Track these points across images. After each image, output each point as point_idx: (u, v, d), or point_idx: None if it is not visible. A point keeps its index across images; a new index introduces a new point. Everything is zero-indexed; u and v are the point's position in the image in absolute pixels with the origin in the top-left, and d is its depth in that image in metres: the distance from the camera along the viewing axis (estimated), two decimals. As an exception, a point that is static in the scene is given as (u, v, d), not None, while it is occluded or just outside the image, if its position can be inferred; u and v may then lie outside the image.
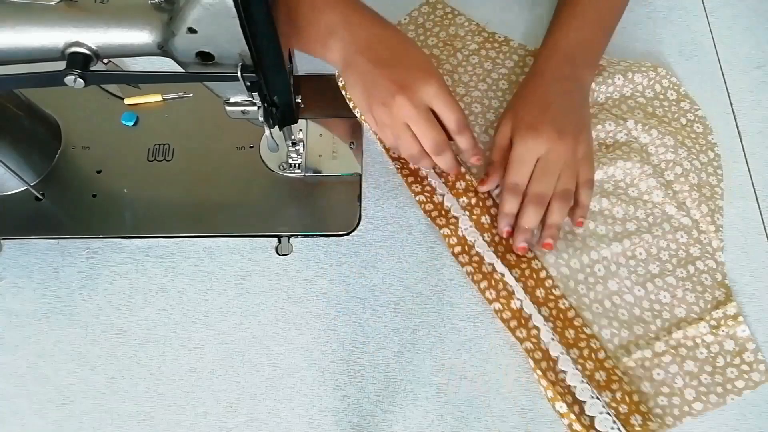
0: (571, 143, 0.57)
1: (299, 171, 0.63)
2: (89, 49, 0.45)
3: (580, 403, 0.52)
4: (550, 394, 0.53)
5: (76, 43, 0.44)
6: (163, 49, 0.45)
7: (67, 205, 0.62)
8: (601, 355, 0.54)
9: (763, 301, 0.58)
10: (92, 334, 0.57)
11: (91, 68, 0.45)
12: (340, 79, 0.59)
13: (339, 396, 0.55)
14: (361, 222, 0.61)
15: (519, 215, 0.58)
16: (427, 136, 0.55)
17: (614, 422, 0.51)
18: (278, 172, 0.63)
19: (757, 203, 0.62)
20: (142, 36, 0.44)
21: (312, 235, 0.61)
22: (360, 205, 0.62)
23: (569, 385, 0.53)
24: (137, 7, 0.44)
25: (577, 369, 0.53)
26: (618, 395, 0.52)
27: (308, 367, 0.56)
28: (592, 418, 0.52)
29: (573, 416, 0.52)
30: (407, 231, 0.61)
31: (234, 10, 0.40)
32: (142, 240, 0.61)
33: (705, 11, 0.73)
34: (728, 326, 0.55)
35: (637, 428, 0.51)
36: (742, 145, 0.65)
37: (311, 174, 0.63)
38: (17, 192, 0.62)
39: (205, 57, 0.45)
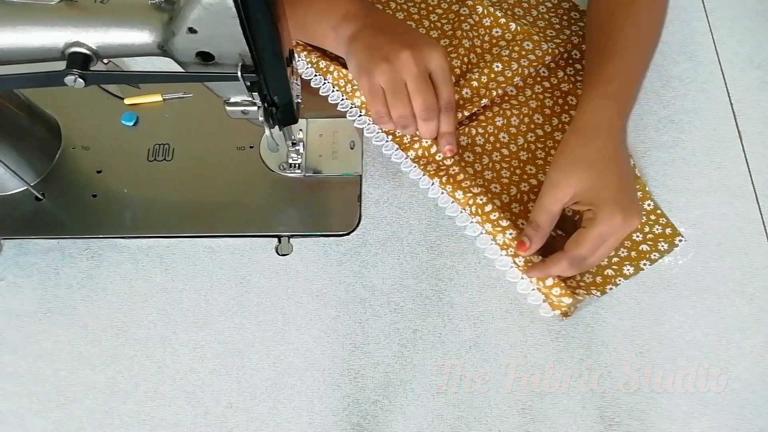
0: (640, 219, 0.55)
1: (299, 171, 0.63)
2: (89, 49, 0.44)
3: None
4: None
5: (76, 43, 0.44)
6: (163, 49, 0.45)
7: (67, 205, 0.62)
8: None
9: (763, 301, 0.58)
10: (92, 334, 0.57)
11: (91, 68, 0.45)
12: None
13: (339, 396, 0.55)
14: (361, 222, 0.61)
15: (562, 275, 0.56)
16: (423, 97, 0.56)
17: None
18: (278, 172, 0.63)
19: (757, 203, 0.62)
20: (142, 36, 0.44)
21: (312, 235, 0.61)
22: (360, 205, 0.62)
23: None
24: (137, 7, 0.44)
25: (503, 252, 0.58)
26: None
27: (308, 367, 0.56)
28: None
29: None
30: (407, 231, 0.61)
31: (234, 10, 0.40)
32: (142, 240, 0.61)
33: (705, 11, 0.73)
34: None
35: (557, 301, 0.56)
36: (742, 145, 0.65)
37: (311, 174, 0.63)
38: (17, 192, 0.62)
39: (205, 57, 0.45)
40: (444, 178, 0.61)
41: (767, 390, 0.54)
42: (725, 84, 0.68)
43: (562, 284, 0.56)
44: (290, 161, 0.63)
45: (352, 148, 0.64)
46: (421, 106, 0.56)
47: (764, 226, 0.61)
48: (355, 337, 0.57)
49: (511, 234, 0.58)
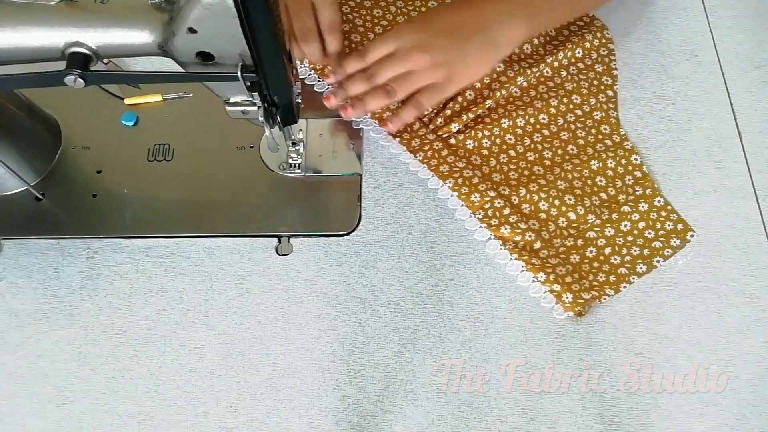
0: (435, 54, 0.59)
1: (299, 171, 0.63)
2: (89, 49, 0.45)
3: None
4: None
5: (76, 43, 0.44)
6: (163, 49, 0.45)
7: (67, 205, 0.62)
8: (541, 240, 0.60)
9: (763, 301, 0.58)
10: (92, 334, 0.57)
11: (91, 68, 0.45)
12: None
13: (339, 396, 0.55)
14: (361, 222, 0.61)
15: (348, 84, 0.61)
16: (298, 21, 0.62)
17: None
18: (278, 172, 0.63)
19: (757, 203, 0.62)
20: (142, 36, 0.44)
21: (312, 235, 0.61)
22: (360, 205, 0.62)
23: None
24: (137, 7, 0.44)
25: (513, 256, 0.59)
26: (551, 277, 0.57)
27: (308, 367, 0.56)
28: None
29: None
30: (407, 231, 0.61)
31: (234, 10, 0.40)
32: (142, 240, 0.61)
33: (705, 11, 0.73)
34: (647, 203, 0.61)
35: (567, 305, 0.57)
36: (742, 145, 0.65)
37: (311, 174, 0.63)
38: (17, 192, 0.62)
39: (205, 57, 0.45)
40: (459, 180, 0.61)
41: (767, 390, 0.54)
42: (725, 84, 0.68)
43: (566, 281, 0.56)
44: (290, 161, 0.63)
45: (352, 148, 0.64)
46: (298, 30, 0.62)
47: (764, 226, 0.61)
48: (355, 337, 0.57)
49: (530, 236, 0.58)
